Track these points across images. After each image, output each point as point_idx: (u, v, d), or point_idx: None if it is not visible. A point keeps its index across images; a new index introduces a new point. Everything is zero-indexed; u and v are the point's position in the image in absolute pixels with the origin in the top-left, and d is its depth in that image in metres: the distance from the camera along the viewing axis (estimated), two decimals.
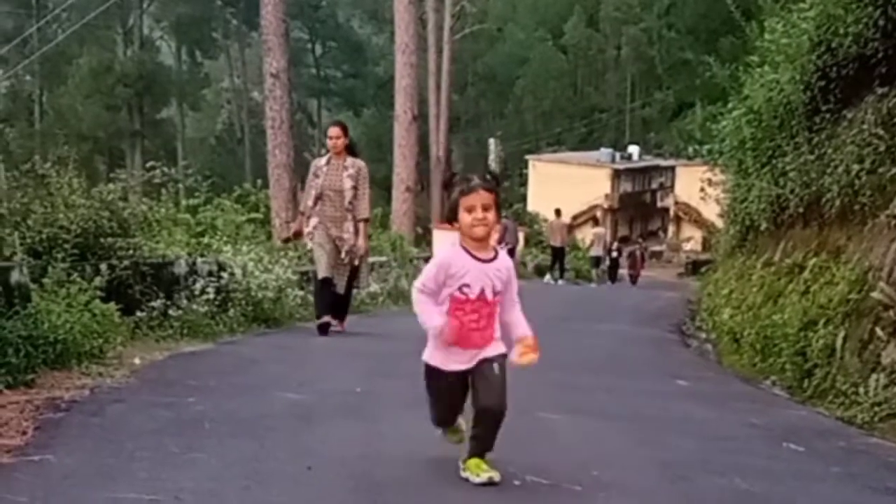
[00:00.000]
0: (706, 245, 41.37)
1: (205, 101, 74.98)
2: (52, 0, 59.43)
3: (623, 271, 33.06)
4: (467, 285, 4.18)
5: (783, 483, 4.66)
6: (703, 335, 12.78)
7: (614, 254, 32.17)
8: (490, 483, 4.20)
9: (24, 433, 4.85)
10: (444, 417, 4.52)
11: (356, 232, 10.04)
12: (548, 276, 28.88)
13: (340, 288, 10.11)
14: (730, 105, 13.38)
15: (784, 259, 10.10)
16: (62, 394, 5.83)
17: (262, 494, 4.04)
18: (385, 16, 52.30)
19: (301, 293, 12.08)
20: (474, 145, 62.58)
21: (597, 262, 30.45)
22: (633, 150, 58.54)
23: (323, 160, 10.18)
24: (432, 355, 4.30)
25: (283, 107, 19.26)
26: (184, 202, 16.85)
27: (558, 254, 29.03)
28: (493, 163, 39.35)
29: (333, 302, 10.12)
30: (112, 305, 7.79)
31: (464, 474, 4.27)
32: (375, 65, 72.85)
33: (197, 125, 75.70)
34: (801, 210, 9.85)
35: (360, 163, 10.17)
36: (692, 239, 49.64)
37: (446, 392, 4.37)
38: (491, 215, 4.15)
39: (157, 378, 6.81)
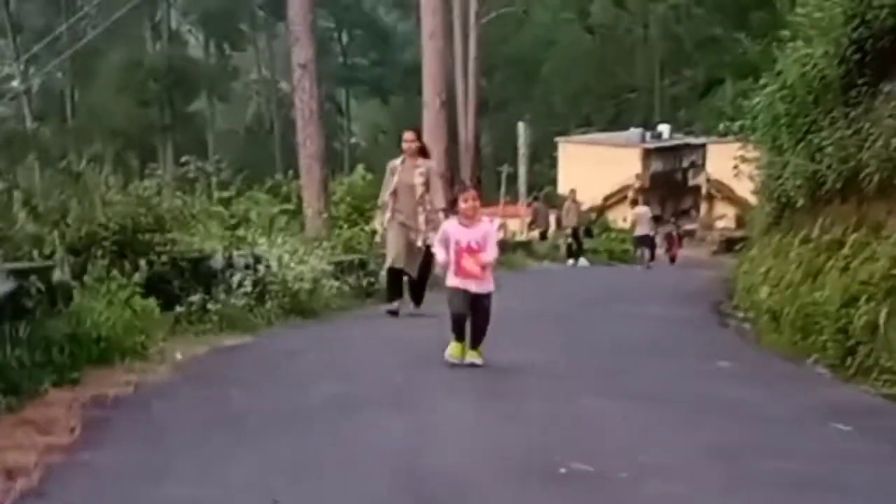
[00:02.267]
0: (739, 222, 40.96)
1: (234, 93, 75.16)
2: None
3: (660, 251, 32.50)
4: (458, 241, 7.24)
5: (832, 464, 4.61)
6: (741, 314, 12.67)
7: (651, 234, 31.18)
8: (472, 365, 7.06)
9: (73, 431, 4.91)
10: (457, 321, 7.17)
11: (428, 220, 11.05)
12: (570, 261, 28.29)
13: (413, 272, 11.22)
14: (762, 81, 13.20)
15: (822, 236, 9.97)
16: (107, 391, 5.89)
17: (309, 487, 4.07)
18: (410, 2, 52.21)
19: (336, 283, 12.12)
20: (503, 129, 62.21)
21: (642, 241, 28.66)
22: (664, 128, 57.99)
23: (398, 161, 11.45)
24: (450, 280, 7.30)
25: (313, 97, 19.21)
26: (217, 195, 16.95)
27: (573, 235, 28.58)
28: (521, 146, 39.11)
29: (403, 288, 11.41)
30: (152, 301, 7.85)
31: (455, 356, 7.13)
32: (402, 52, 72.63)
33: (227, 117, 75.88)
34: (839, 186, 9.71)
35: (431, 162, 11.80)
36: (725, 216, 49.20)
37: (455, 300, 7.19)
38: (476, 203, 7.43)
39: (200, 373, 6.86)
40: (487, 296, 7.26)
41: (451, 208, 7.90)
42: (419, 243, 11.07)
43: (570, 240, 28.79)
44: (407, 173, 11.31)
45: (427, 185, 11.26)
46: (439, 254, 7.48)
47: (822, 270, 9.12)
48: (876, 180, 8.38)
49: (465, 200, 7.43)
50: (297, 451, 4.63)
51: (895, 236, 7.62)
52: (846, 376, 7.31)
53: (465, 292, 7.19)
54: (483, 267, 7.23)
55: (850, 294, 7.75)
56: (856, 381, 7.09)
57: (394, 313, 10.99)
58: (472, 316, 7.17)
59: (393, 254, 11.24)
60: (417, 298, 11.43)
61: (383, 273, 12.22)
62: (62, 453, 4.49)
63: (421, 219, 11.15)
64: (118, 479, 4.14)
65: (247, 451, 4.61)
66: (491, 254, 7.32)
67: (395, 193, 11.30)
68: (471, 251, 7.21)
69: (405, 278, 11.35)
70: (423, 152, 11.58)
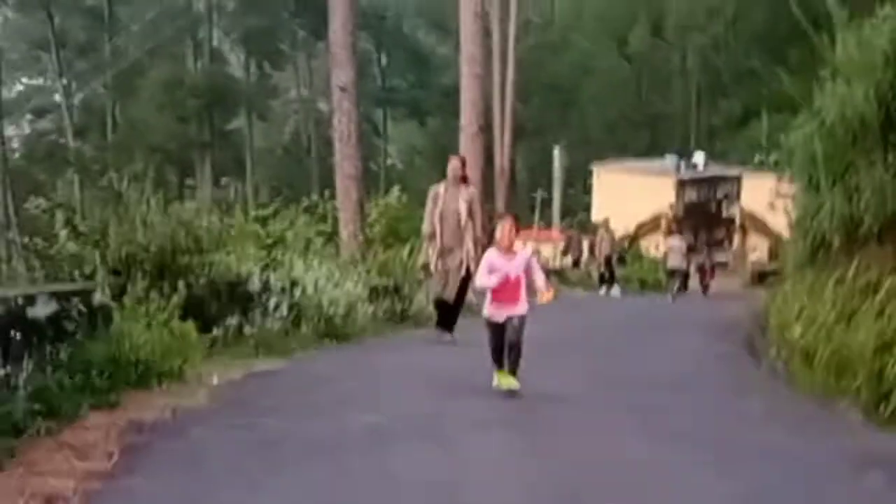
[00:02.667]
0: (772, 254, 40.70)
1: (272, 112, 75.74)
2: (124, 13, 60.68)
3: (692, 282, 32.33)
4: (500, 271, 7.26)
5: None
6: (773, 352, 12.60)
7: (684, 266, 30.96)
8: (510, 392, 7.14)
9: (111, 457, 4.99)
10: (497, 349, 7.30)
11: (472, 244, 11.30)
12: (602, 289, 28.07)
13: (450, 296, 11.35)
14: (800, 119, 13.16)
15: (857, 278, 9.93)
16: (145, 415, 5.98)
17: None
18: (449, 25, 52.44)
19: (371, 308, 12.20)
20: (539, 154, 62.24)
21: (674, 272, 28.20)
22: (699, 157, 57.83)
23: (441, 187, 11.62)
24: (487, 311, 7.40)
25: (351, 119, 19.38)
26: (252, 213, 17.09)
27: (609, 264, 28.37)
28: (556, 172, 39.14)
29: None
30: (190, 323, 7.95)
31: (494, 383, 7.30)
32: (440, 75, 72.92)
33: (265, 135, 76.42)
34: (876, 229, 9.69)
35: (474, 190, 12.01)
36: (757, 248, 48.91)
37: (493, 331, 7.31)
38: (513, 234, 7.46)
39: (236, 398, 6.94)
40: (521, 317, 7.29)
41: (490, 239, 7.83)
42: (462, 270, 11.21)
43: (602, 268, 28.63)
44: (451, 200, 11.45)
45: (471, 212, 11.41)
46: (489, 280, 7.36)
47: (857, 313, 9.08)
48: None
49: (503, 229, 7.44)
50: (333, 481, 4.69)
51: None
52: (880, 421, 7.27)
53: (503, 321, 7.26)
54: (544, 294, 7.46)
55: (885, 339, 7.72)
56: (890, 427, 7.05)
57: (447, 342, 11.11)
58: (507, 338, 7.21)
59: (440, 285, 11.39)
60: (450, 324, 11.47)
61: (419, 298, 12.70)
62: (100, 479, 4.58)
63: (469, 245, 11.27)
64: None
65: (283, 480, 4.67)
66: (540, 281, 7.53)
67: (442, 221, 11.42)
68: (509, 282, 7.27)
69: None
70: (465, 179, 11.83)
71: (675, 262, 28.07)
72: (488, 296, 7.41)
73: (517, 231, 7.67)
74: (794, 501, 4.77)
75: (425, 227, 11.76)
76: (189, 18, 55.68)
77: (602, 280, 28.38)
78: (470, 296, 11.99)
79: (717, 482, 5.17)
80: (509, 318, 7.24)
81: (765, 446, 6.21)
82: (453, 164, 11.75)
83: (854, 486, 5.20)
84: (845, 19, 11.56)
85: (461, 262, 11.29)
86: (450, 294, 11.35)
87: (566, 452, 5.60)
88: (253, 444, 5.44)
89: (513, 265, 7.34)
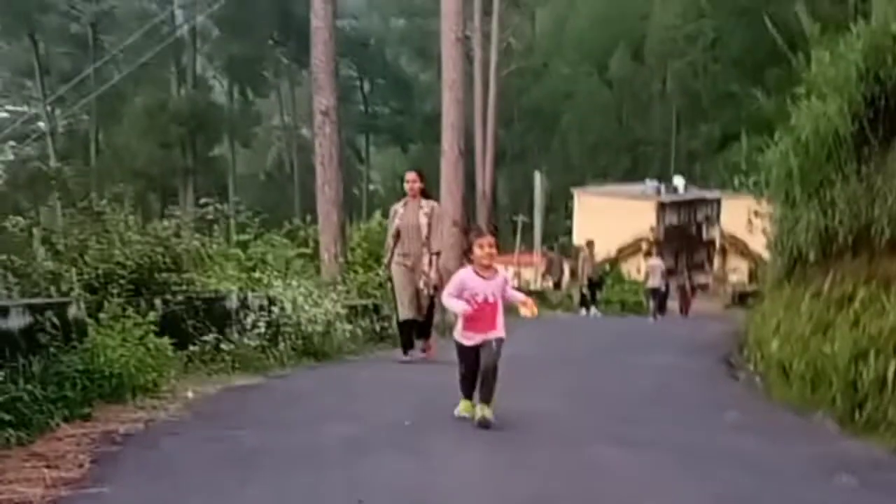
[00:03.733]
0: (752, 276, 40.96)
1: (255, 139, 75.92)
2: (108, 41, 60.76)
3: (673, 303, 32.64)
4: (475, 293, 6.58)
5: None
6: (751, 366, 12.64)
7: (663, 287, 31.49)
8: (483, 423, 6.41)
9: (81, 466, 4.96)
10: (467, 376, 6.69)
11: (430, 264, 11.14)
12: (582, 310, 28.39)
13: (420, 317, 11.19)
14: (776, 136, 13.28)
15: (833, 290, 9.99)
16: (118, 427, 5.95)
17: None
18: (432, 53, 52.68)
19: (349, 327, 12.19)
20: (520, 178, 62.56)
21: (654, 293, 28.98)
22: (679, 181, 58.23)
23: (400, 204, 11.43)
24: (459, 336, 6.68)
25: (333, 144, 19.39)
26: (235, 238, 17.10)
27: (593, 286, 28.73)
28: (538, 196, 39.26)
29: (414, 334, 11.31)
30: (166, 340, 7.92)
31: (467, 413, 6.73)
32: (422, 101, 73.30)
33: (248, 162, 76.59)
34: (850, 241, 9.75)
35: (434, 203, 11.55)
36: (738, 270, 49.18)
37: (465, 355, 6.65)
38: (493, 251, 6.66)
39: (211, 412, 6.91)
40: (500, 339, 6.59)
41: (466, 256, 7.06)
42: (420, 285, 11.10)
43: (584, 290, 28.80)
44: (411, 214, 11.25)
45: (431, 226, 11.16)
46: (456, 305, 6.57)
47: (833, 324, 9.13)
48: (887, 236, 8.43)
49: (482, 247, 6.62)
50: (308, 491, 4.66)
51: None
52: (854, 430, 7.30)
53: (477, 347, 6.57)
54: (493, 312, 6.59)
55: (860, 349, 7.76)
56: (864, 435, 7.08)
57: (406, 363, 10.97)
58: (483, 363, 6.48)
59: (403, 305, 11.17)
60: (426, 339, 11.39)
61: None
62: (70, 487, 4.55)
63: (425, 260, 11.11)
64: None
65: (256, 490, 4.65)
66: (519, 294, 6.97)
67: (397, 235, 11.22)
68: (486, 307, 6.56)
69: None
70: (424, 193, 11.46)
71: (654, 282, 28.56)
72: (460, 322, 6.67)
73: (497, 250, 6.81)
74: (765, 502, 4.78)
75: (387, 244, 11.60)
76: (173, 45, 55.71)
77: (584, 301, 28.52)
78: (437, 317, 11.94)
79: (687, 486, 5.19)
80: (486, 341, 6.53)
81: (737, 453, 6.24)
82: (408, 178, 11.50)
83: (826, 490, 5.22)
84: (819, 36, 11.70)
85: (425, 281, 11.14)
86: (419, 315, 11.20)
87: (540, 462, 5.59)
88: (226, 455, 5.42)
89: (490, 286, 6.60)
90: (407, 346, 11.23)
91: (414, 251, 11.16)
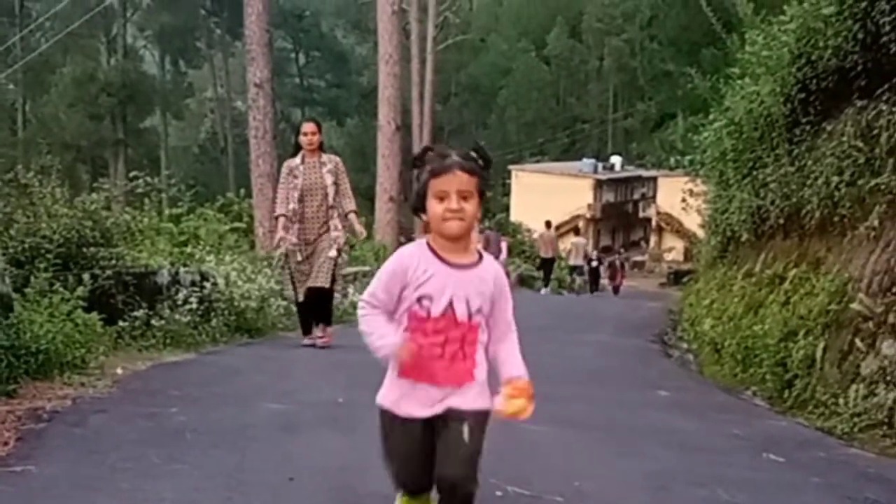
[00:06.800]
0: (688, 255, 41.52)
1: (188, 111, 74.92)
2: (35, 9, 59.38)
3: (604, 281, 33.23)
4: (429, 297, 3.11)
5: (764, 494, 4.69)
6: (685, 345, 12.83)
7: (594, 263, 32.39)
8: None
9: (6, 444, 4.84)
10: (404, 481, 3.33)
11: (348, 224, 9.71)
12: (542, 288, 29.32)
13: (324, 281, 9.53)
14: (711, 117, 13.45)
15: (765, 270, 10.16)
16: (44, 404, 5.81)
17: None
18: (369, 26, 52.33)
19: (284, 303, 12.08)
20: None
21: (574, 270, 30.85)
22: (616, 160, 58.81)
23: (297, 160, 9.62)
24: (389, 393, 3.27)
25: (267, 116, 19.23)
26: (167, 211, 16.87)
27: (547, 265, 29.50)
28: None
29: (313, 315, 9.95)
30: (94, 315, 7.77)
31: None
32: (359, 75, 72.94)
33: (180, 134, 75.57)
34: (781, 221, 9.91)
35: (336, 158, 9.86)
36: (674, 249, 49.83)
37: (401, 445, 3.25)
38: (470, 206, 3.06)
39: (140, 388, 6.80)
40: (480, 415, 3.27)
41: (417, 214, 3.22)
42: (332, 254, 9.49)
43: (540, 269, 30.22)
44: (313, 172, 9.56)
45: (338, 186, 9.61)
46: (379, 334, 3.23)
47: (764, 304, 9.29)
48: (817, 217, 8.56)
49: (445, 198, 3.05)
50: (235, 468, 4.60)
51: (834, 272, 7.77)
52: (783, 408, 7.44)
53: (429, 425, 3.21)
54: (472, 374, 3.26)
55: (789, 328, 7.90)
56: (792, 413, 7.22)
57: (310, 346, 9.83)
58: (446, 469, 3.16)
59: (300, 285, 9.76)
60: (326, 318, 9.96)
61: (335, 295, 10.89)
62: None
63: (333, 224, 9.57)
64: (49, 492, 4.09)
65: (183, 466, 4.57)
66: (510, 340, 3.42)
67: (301, 200, 9.54)
68: (454, 324, 3.17)
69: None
70: (322, 148, 9.76)
71: (577, 259, 30.10)
72: (391, 367, 3.30)
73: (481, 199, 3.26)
74: (694, 479, 4.83)
75: (278, 209, 9.73)
76: (102, 14, 54.68)
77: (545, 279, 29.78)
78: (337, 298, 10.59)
79: (618, 462, 5.25)
80: (449, 414, 3.19)
81: (667, 431, 6.31)
82: (305, 129, 9.66)
83: (751, 466, 5.30)
84: (753, 17, 11.84)
85: (333, 248, 9.50)
86: (317, 284, 9.55)
87: None
88: (154, 432, 5.33)
89: (468, 286, 3.17)
90: (308, 330, 10.00)
91: (318, 216, 9.54)
